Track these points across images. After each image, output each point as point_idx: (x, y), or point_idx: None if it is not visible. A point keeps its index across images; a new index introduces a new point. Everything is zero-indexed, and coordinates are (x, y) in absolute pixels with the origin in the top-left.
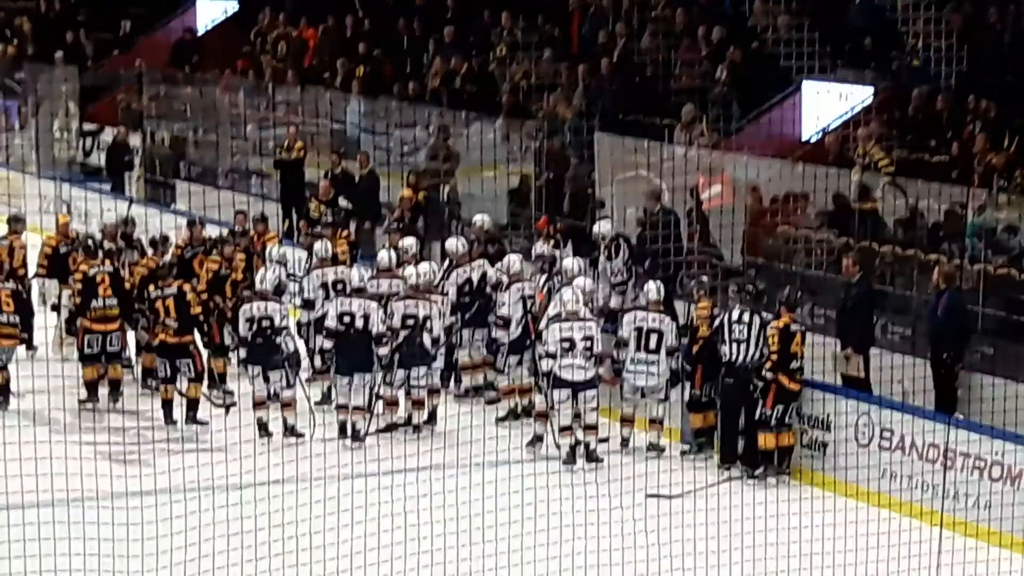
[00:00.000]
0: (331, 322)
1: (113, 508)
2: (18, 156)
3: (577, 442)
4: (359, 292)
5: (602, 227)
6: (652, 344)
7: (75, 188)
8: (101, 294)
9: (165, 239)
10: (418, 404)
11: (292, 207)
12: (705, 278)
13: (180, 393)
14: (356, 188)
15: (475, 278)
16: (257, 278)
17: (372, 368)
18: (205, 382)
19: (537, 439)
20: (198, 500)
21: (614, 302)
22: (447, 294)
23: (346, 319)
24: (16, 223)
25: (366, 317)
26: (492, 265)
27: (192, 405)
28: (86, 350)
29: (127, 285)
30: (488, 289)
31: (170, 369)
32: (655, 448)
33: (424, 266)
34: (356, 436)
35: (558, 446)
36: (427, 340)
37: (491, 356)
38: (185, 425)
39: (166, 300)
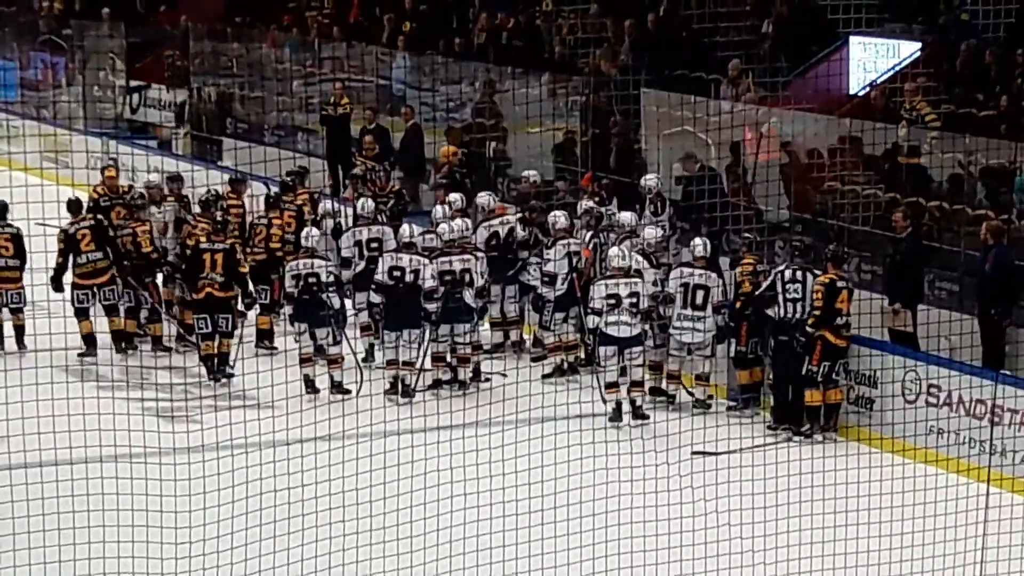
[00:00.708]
0: (381, 276)
1: (161, 464)
2: (64, 113)
3: (619, 403)
4: (409, 247)
5: (648, 180)
6: (698, 300)
7: (121, 144)
8: (83, 249)
9: (218, 196)
10: (463, 361)
11: (339, 163)
12: (748, 234)
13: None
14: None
15: (502, 232)
16: (303, 234)
17: (421, 324)
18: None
19: (615, 411)
20: (245, 457)
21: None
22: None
23: (396, 274)
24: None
25: (415, 272)
26: (534, 222)
27: (223, 359)
28: (77, 304)
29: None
30: (515, 245)
31: (211, 324)
32: (701, 404)
33: (458, 222)
34: (406, 392)
35: (604, 402)
36: (467, 296)
37: (518, 313)
38: (214, 378)
39: (215, 254)
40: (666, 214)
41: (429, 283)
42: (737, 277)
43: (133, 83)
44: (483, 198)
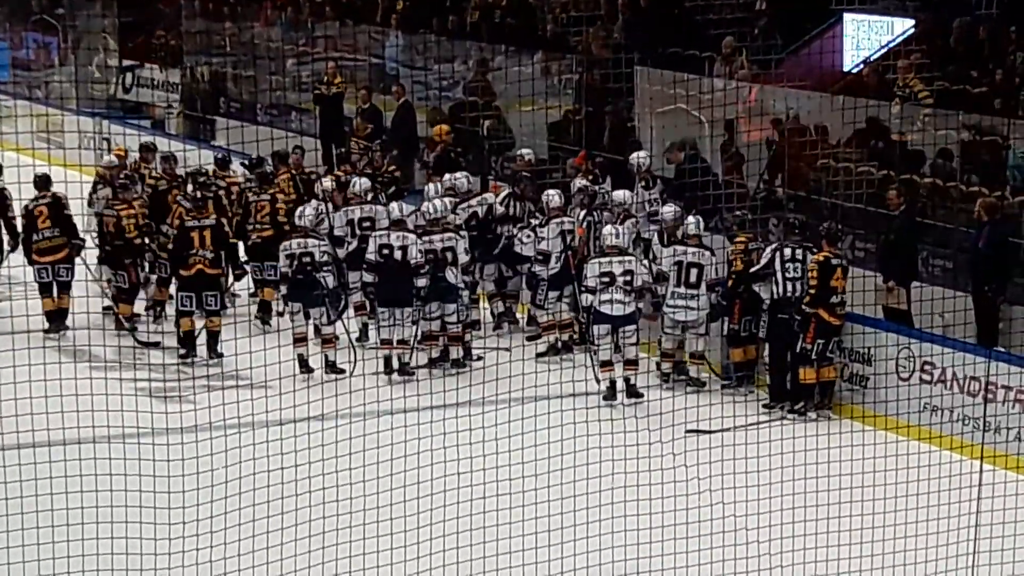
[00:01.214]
0: (371, 255)
1: (154, 445)
2: (57, 93)
3: (613, 382)
4: (398, 224)
5: (639, 156)
6: (692, 278)
7: (114, 124)
8: (40, 226)
9: (196, 173)
10: (454, 339)
11: (332, 142)
12: (740, 213)
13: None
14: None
15: (481, 212)
16: (296, 213)
17: (413, 301)
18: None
19: (609, 390)
20: (238, 437)
21: (649, 232)
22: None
23: (385, 251)
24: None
25: (404, 249)
26: (526, 197)
27: (214, 338)
28: (38, 280)
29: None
30: (495, 222)
31: (196, 302)
32: (696, 383)
33: (437, 202)
34: (403, 370)
35: (598, 381)
36: (450, 275)
37: (498, 290)
38: (207, 357)
39: (203, 231)
40: (656, 189)
41: (416, 258)
42: (730, 255)
43: (126, 63)
44: (460, 179)
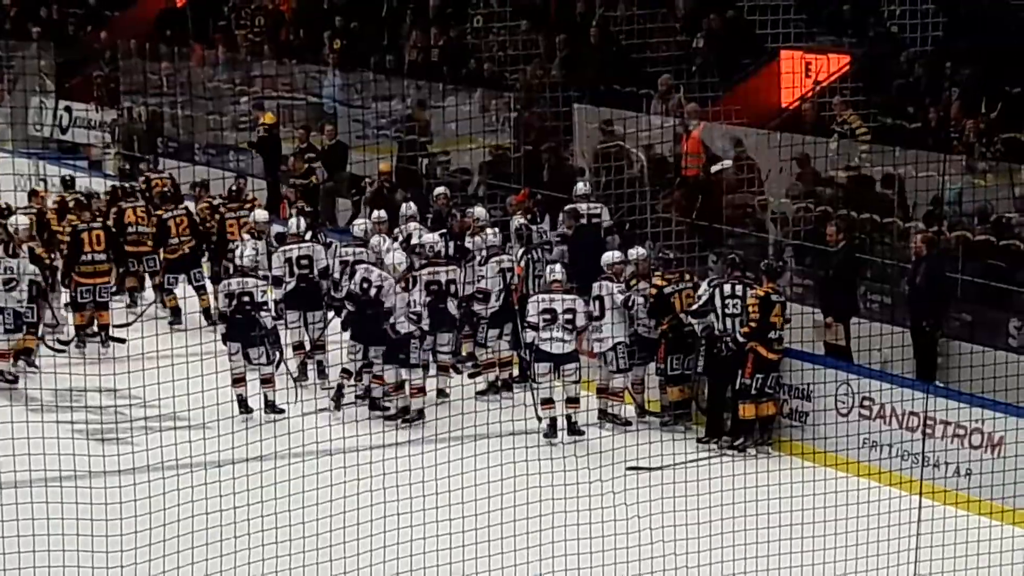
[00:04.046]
0: (354, 286)
1: (91, 488)
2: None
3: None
4: (382, 264)
5: (579, 188)
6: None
7: (51, 165)
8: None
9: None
10: (443, 370)
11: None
12: (664, 253)
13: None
14: (323, 160)
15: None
16: (236, 252)
17: (384, 341)
18: None
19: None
20: (176, 479)
21: None
22: None
23: (364, 286)
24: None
25: (379, 288)
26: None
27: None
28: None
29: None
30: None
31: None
32: (619, 420)
33: (376, 239)
34: (374, 405)
35: (539, 419)
36: (451, 307)
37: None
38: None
39: (178, 218)
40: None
41: (389, 301)
42: (664, 292)
43: (63, 103)
44: (428, 238)
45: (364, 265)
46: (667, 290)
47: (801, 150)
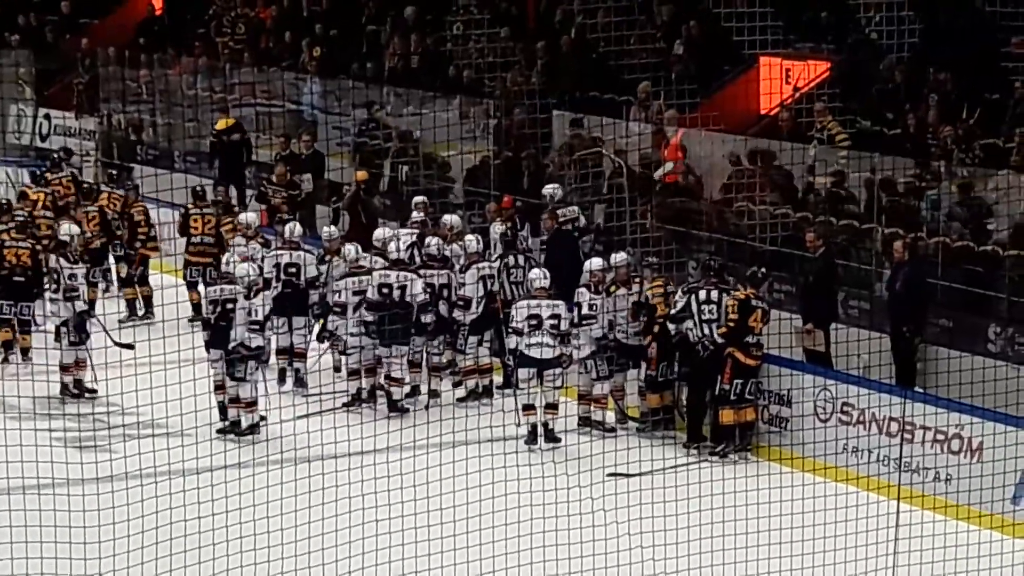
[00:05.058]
0: (372, 294)
1: (69, 496)
2: None
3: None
4: (397, 263)
5: (549, 189)
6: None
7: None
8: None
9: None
10: (435, 370)
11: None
12: (653, 259)
13: None
14: (302, 168)
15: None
16: (224, 259)
17: (411, 340)
18: None
19: (530, 433)
20: (155, 487)
21: None
22: None
23: (384, 291)
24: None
25: (403, 288)
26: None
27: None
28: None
29: None
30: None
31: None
32: (600, 427)
33: (433, 240)
34: (394, 407)
35: (517, 425)
36: (443, 309)
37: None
38: None
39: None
40: (575, 207)
41: (421, 296)
42: (649, 300)
43: (43, 111)
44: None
45: (380, 272)
46: (652, 296)
47: (780, 157)
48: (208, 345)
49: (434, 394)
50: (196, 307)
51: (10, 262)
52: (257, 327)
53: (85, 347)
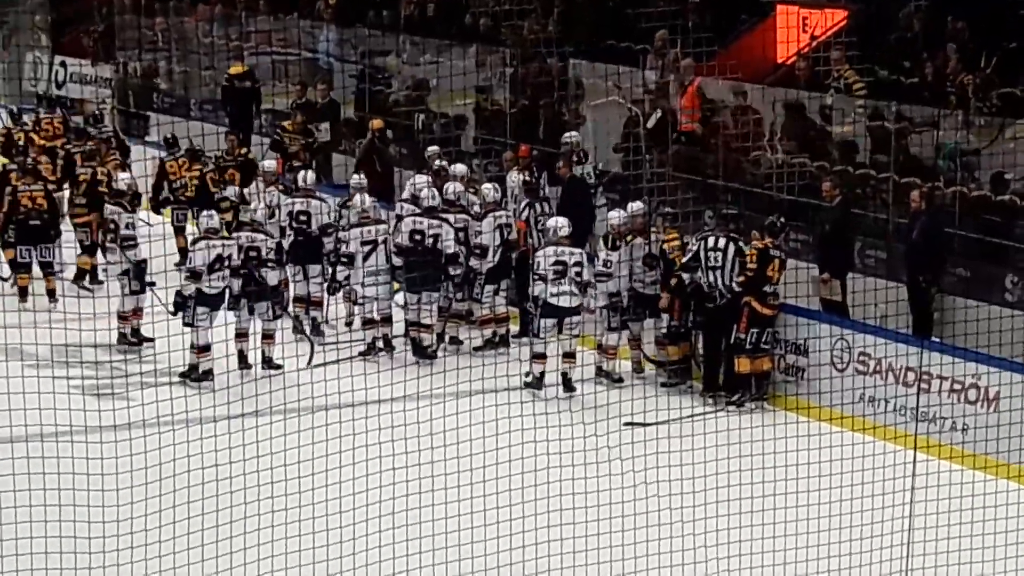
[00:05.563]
0: (401, 239)
1: (87, 443)
2: None
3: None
4: (431, 211)
5: (570, 136)
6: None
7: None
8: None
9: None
10: (457, 318)
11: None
12: (669, 208)
13: None
14: (318, 117)
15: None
16: (251, 205)
17: (440, 287)
18: None
19: (537, 380)
20: (172, 434)
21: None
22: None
23: (416, 237)
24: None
25: (435, 236)
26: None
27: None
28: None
29: None
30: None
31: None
32: (608, 376)
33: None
34: (425, 354)
35: (529, 374)
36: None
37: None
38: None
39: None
40: (591, 163)
41: (452, 248)
42: (668, 252)
43: (58, 58)
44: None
45: (411, 217)
46: (670, 249)
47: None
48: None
49: (455, 341)
50: (183, 251)
51: (25, 206)
52: (479, 251)
53: (144, 295)
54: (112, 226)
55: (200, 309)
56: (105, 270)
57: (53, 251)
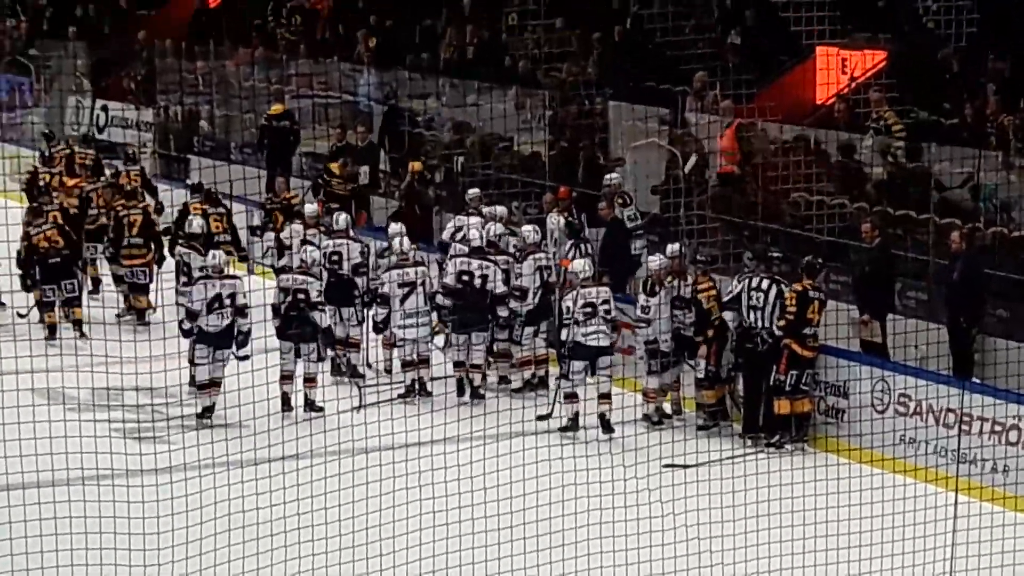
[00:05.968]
0: (450, 280)
1: (128, 486)
2: (31, 134)
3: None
4: (478, 252)
5: (612, 178)
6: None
7: None
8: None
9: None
10: (503, 357)
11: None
12: (702, 257)
13: None
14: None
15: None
16: (300, 249)
17: (488, 327)
18: None
19: (572, 422)
20: (213, 478)
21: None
22: None
23: (464, 278)
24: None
25: (484, 277)
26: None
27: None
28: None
29: None
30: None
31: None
32: (650, 420)
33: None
34: (475, 394)
35: (548, 416)
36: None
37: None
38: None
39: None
40: (634, 206)
41: (501, 288)
42: (704, 303)
43: (100, 102)
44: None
45: (459, 258)
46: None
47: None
48: (278, 333)
49: (504, 380)
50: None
51: (43, 247)
52: (519, 293)
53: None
54: (186, 268)
55: (199, 347)
56: (154, 310)
57: (75, 285)
